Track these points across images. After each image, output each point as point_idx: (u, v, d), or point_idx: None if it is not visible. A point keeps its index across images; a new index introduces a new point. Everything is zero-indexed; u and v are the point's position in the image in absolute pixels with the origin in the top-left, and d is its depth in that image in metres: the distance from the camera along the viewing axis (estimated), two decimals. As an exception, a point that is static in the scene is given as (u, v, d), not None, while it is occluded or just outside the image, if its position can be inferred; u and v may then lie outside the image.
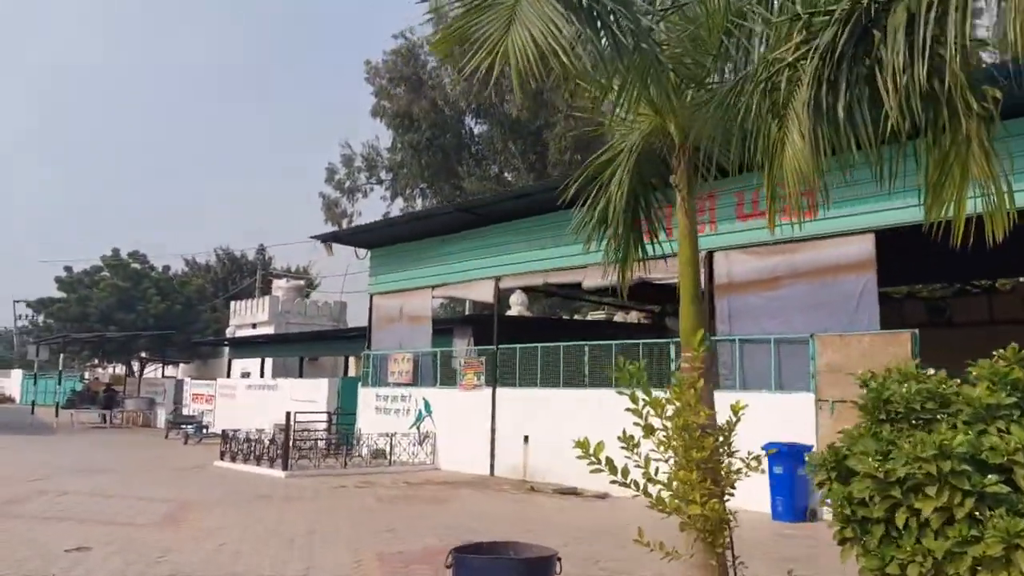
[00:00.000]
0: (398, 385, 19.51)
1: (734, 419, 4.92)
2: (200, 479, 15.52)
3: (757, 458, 4.73)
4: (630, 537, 9.64)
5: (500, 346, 17.08)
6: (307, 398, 23.28)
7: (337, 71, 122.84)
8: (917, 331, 10.76)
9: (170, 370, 44.57)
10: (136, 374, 43.64)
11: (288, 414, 16.38)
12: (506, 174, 40.15)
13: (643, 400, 4.85)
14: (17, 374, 64.68)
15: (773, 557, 8.86)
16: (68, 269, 50.15)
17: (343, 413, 21.17)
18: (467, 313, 32.78)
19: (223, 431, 25.33)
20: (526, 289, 17.18)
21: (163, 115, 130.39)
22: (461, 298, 20.59)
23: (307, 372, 34.06)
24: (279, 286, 44.46)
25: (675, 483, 4.66)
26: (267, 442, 17.13)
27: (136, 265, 50.70)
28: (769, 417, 12.01)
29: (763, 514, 11.50)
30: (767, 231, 12.59)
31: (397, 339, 20.08)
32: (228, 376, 33.88)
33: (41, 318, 52.60)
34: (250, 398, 27.11)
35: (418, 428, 18.55)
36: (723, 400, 12.58)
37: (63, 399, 36.85)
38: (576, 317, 33.42)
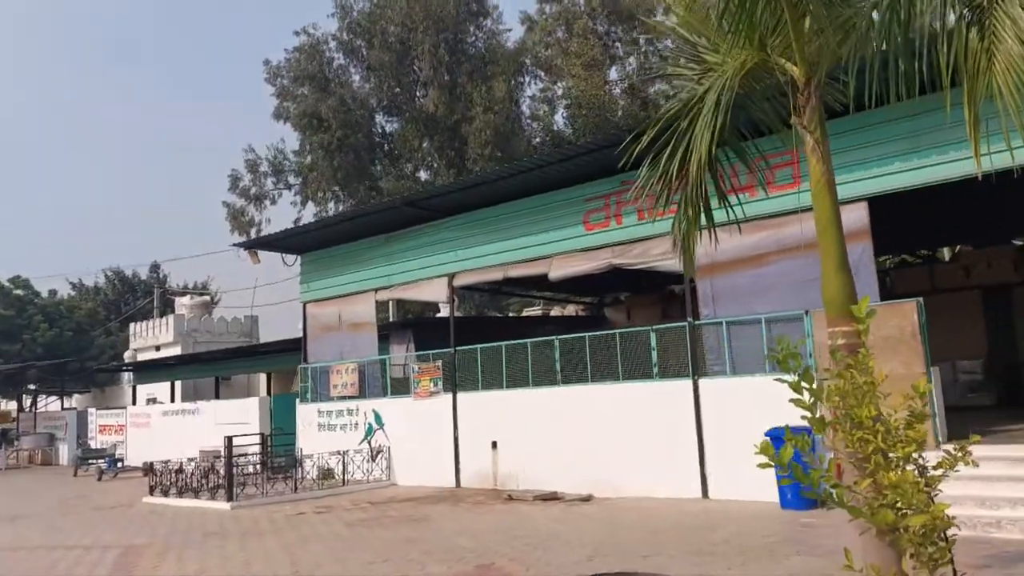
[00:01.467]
0: (343, 399, 18.11)
1: (919, 405, 3.95)
2: (134, 518, 13.76)
3: (963, 448, 3.75)
4: (655, 549, 8.77)
5: (458, 348, 15.99)
6: (235, 420, 21.51)
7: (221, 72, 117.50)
8: (922, 299, 10.39)
9: (67, 402, 41.06)
10: (28, 408, 39.97)
11: (229, 439, 14.77)
12: (420, 172, 38.96)
13: (806, 388, 3.89)
14: None
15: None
16: (-60, 300, 45.54)
17: (281, 433, 19.54)
18: (391, 318, 31.39)
19: (149, 464, 23.20)
20: (482, 286, 16.13)
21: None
22: (410, 300, 19.31)
23: (221, 393, 31.88)
24: (183, 303, 41.71)
25: (869, 487, 3.72)
26: (204, 472, 15.43)
27: (19, 291, 46.62)
28: (764, 401, 11.43)
29: (769, 503, 10.90)
30: (749, 207, 12.07)
31: (337, 349, 18.65)
32: (134, 403, 31.28)
33: (-89, 354, 47.61)
34: (167, 425, 24.95)
35: (369, 443, 17.23)
36: (713, 387, 11.88)
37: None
38: (511, 314, 32.49)
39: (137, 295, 61.42)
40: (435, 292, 16.72)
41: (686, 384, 12.38)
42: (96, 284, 62.34)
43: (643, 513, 11.27)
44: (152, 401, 31.94)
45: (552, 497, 13.35)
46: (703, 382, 12.23)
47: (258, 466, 17.59)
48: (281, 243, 19.38)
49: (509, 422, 14.89)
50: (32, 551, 10.94)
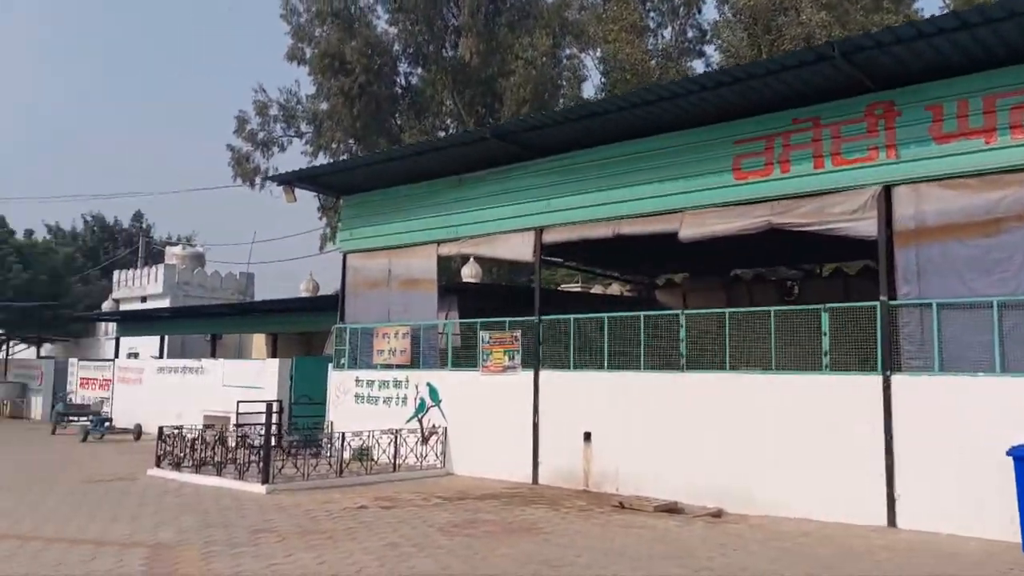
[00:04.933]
0: (389, 367, 15.29)
1: None
2: (146, 500, 10.89)
3: None
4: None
5: (543, 316, 13.25)
6: (248, 384, 18.59)
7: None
8: None
9: (33, 351, 37.70)
10: (-3, 355, 36.57)
11: (269, 404, 11.96)
12: (441, 134, 35.92)
13: None
14: None
15: None
16: (-95, 231, 41.68)
17: (308, 403, 16.70)
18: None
19: (138, 426, 20.36)
20: (580, 243, 13.33)
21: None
22: (483, 256, 16.37)
23: (205, 352, 28.77)
24: (174, 253, 38.34)
25: None
26: (232, 443, 12.58)
27: (-8, 228, 42.89)
28: (990, 408, 8.92)
29: (1005, 544, 8.33)
30: (981, 155, 9.43)
31: (383, 309, 15.80)
32: (117, 356, 28.08)
33: None
34: (164, 383, 21.96)
35: (420, 421, 14.46)
36: (912, 386, 9.18)
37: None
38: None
39: (117, 244, 57.91)
40: (517, 248, 13.90)
41: (872, 381, 9.73)
42: (74, 229, 58.72)
43: (837, 544, 8.60)
44: (133, 355, 28.82)
45: (673, 508, 10.70)
46: (898, 379, 9.59)
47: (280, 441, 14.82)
48: (323, 179, 16.46)
49: (607, 411, 12.21)
50: (24, 542, 8.09)
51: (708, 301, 21.05)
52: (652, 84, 13.71)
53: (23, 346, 38.13)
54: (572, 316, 12.96)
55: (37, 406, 27.26)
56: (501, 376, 13.61)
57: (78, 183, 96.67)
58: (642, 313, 12.32)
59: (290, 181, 16.11)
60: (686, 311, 11.95)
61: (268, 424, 11.80)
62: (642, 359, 11.96)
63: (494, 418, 13.54)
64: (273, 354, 27.01)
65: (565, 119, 12.37)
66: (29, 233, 46.55)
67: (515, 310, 14.09)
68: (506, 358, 13.60)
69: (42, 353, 36.76)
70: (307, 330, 24.31)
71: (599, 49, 36.74)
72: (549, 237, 13.50)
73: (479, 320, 14.27)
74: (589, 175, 12.86)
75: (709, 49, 36.97)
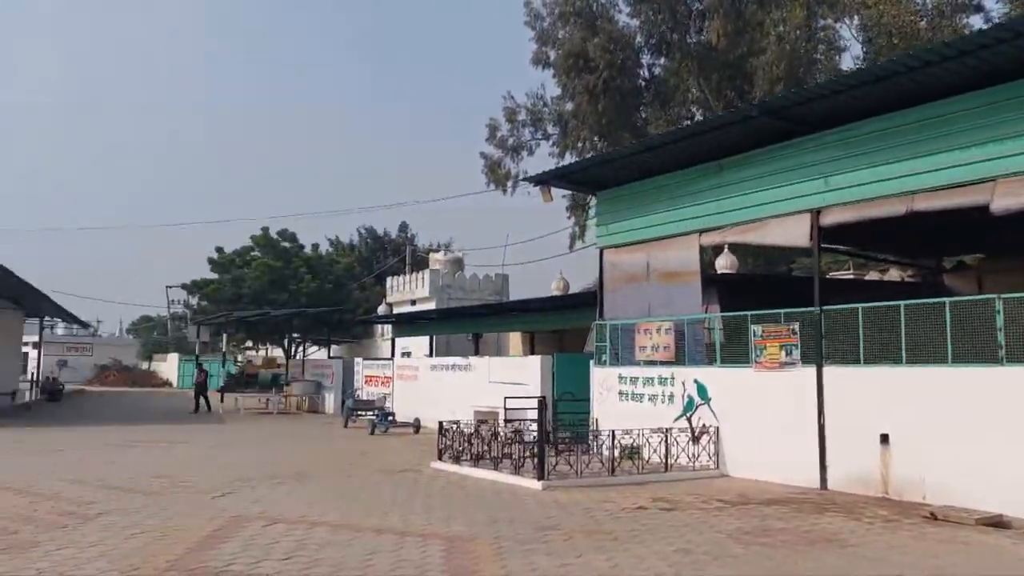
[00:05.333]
0: (651, 363, 14.92)
1: None
2: (433, 492, 11.45)
3: None
4: None
5: (825, 308, 12.16)
6: (511, 380, 19.15)
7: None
8: None
9: (323, 352, 42.08)
10: (294, 355, 41.32)
11: (541, 400, 12.14)
12: (687, 123, 34.81)
13: None
14: (173, 358, 64.79)
15: None
16: (220, 249, 48.49)
17: (572, 399, 16.82)
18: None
19: (417, 420, 21.81)
20: (859, 224, 11.96)
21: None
22: (751, 244, 15.50)
23: (466, 350, 30.15)
24: (437, 259, 41.03)
25: None
26: (505, 438, 12.91)
27: (286, 244, 48.59)
28: None
29: None
30: None
31: (643, 304, 15.48)
32: (392, 355, 30.45)
33: (195, 300, 51.57)
34: (435, 380, 23.34)
35: (689, 420, 13.92)
36: None
37: (221, 383, 34.88)
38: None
39: (387, 253, 63.18)
40: (789, 233, 12.91)
41: None
42: (351, 241, 64.90)
43: None
44: (406, 355, 31.04)
45: (999, 522, 9.26)
46: None
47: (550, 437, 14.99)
48: (576, 176, 16.49)
49: (908, 410, 10.88)
50: (334, 530, 8.74)
51: (1011, 285, 18.35)
52: (951, 39, 12.04)
53: (315, 348, 42.75)
54: (860, 305, 11.75)
55: (330, 402, 30.28)
56: (777, 372, 12.70)
57: (355, 198, 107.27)
58: (947, 299, 10.87)
59: (546, 180, 16.31)
60: (1004, 295, 10.29)
61: (541, 420, 11.93)
62: (949, 351, 10.51)
63: (771, 417, 12.68)
64: (531, 351, 27.79)
65: (846, 87, 11.21)
66: (315, 247, 52.04)
67: (778, 301, 13.12)
68: (782, 353, 12.66)
69: (331, 354, 40.98)
70: (559, 327, 24.69)
71: (857, 16, 33.57)
72: (828, 219, 12.35)
73: (749, 312, 13.43)
74: (875, 147, 11.58)
75: (989, 2, 32.46)
